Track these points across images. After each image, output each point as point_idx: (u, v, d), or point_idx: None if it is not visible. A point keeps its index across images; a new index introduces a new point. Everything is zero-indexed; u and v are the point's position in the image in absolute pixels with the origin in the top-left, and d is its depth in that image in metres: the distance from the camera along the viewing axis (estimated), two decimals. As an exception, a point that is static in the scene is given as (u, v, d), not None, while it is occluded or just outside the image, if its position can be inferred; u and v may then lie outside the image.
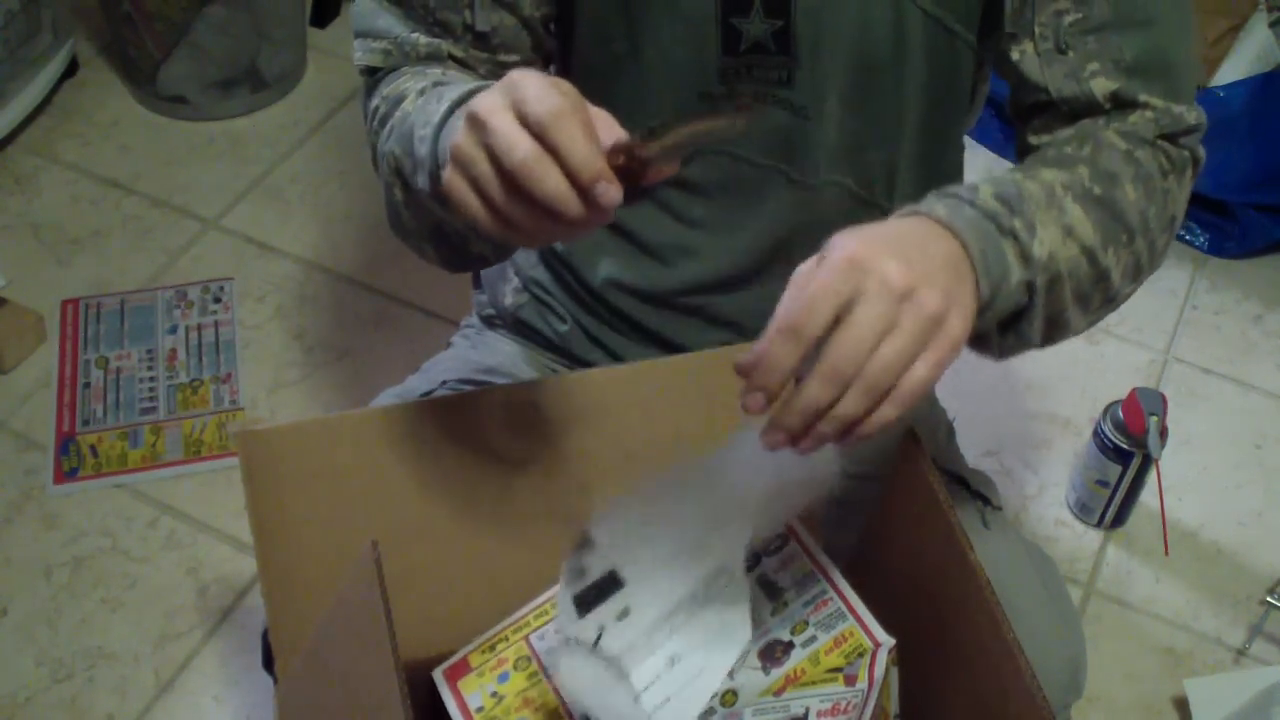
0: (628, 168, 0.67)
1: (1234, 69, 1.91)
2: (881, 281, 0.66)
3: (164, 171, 2.02)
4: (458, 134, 0.70)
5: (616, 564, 0.86)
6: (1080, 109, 0.89)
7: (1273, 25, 1.94)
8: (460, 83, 0.83)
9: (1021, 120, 0.94)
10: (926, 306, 0.67)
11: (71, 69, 2.13)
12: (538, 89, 0.66)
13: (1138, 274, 0.88)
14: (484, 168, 0.68)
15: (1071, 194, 0.82)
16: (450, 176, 0.70)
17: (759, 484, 0.84)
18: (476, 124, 0.68)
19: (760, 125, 0.95)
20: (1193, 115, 0.90)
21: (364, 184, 2.02)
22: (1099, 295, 0.85)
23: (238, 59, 2.07)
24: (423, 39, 0.91)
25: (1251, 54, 1.92)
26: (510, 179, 0.66)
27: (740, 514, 0.87)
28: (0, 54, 1.93)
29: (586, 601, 0.85)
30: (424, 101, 0.82)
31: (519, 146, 0.65)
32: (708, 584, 0.87)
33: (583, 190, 0.66)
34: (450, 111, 0.76)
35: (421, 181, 0.78)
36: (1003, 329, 0.81)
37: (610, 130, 0.68)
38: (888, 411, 0.68)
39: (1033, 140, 0.92)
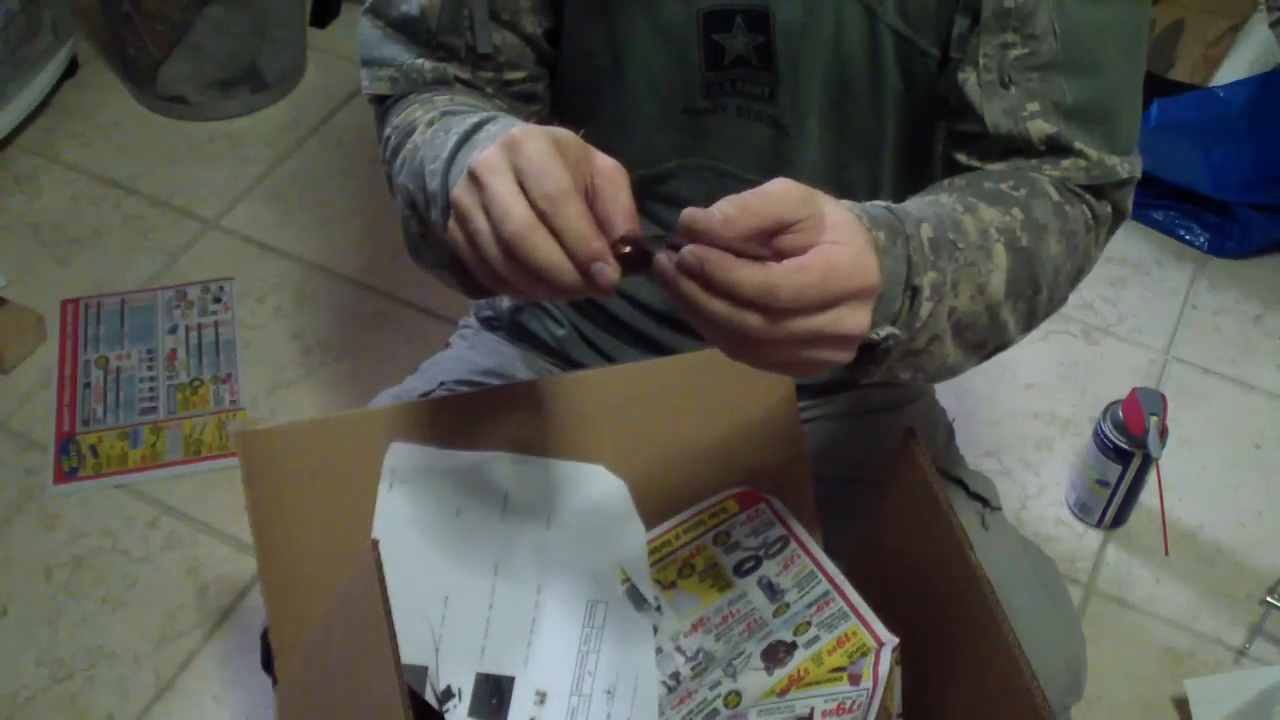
0: (634, 255, 0.67)
1: (1234, 69, 1.92)
2: (837, 319, 0.66)
3: (164, 171, 2.02)
4: (458, 188, 0.69)
5: (480, 667, 0.89)
6: (1014, 147, 0.88)
7: (1273, 25, 1.94)
8: (467, 111, 0.83)
9: (954, 139, 0.93)
10: (842, 338, 0.67)
11: (71, 69, 2.13)
12: (539, 159, 0.66)
13: (1029, 324, 0.88)
14: (481, 224, 0.67)
15: (1004, 240, 0.81)
16: (451, 227, 0.70)
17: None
18: (476, 182, 0.68)
19: (745, 140, 0.95)
20: (1125, 168, 0.89)
21: (364, 184, 2.02)
22: (993, 342, 0.85)
23: (238, 59, 2.07)
24: (428, 64, 0.92)
25: (1251, 54, 1.92)
26: (505, 245, 0.66)
27: (564, 559, 0.91)
28: (0, 54, 1.93)
29: (493, 711, 0.87)
30: (432, 134, 0.82)
31: (513, 216, 0.65)
32: (591, 620, 0.90)
33: (579, 267, 0.65)
34: (457, 148, 0.76)
35: (435, 216, 0.78)
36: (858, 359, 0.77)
37: (616, 188, 0.67)
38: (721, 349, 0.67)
39: (961, 159, 0.91)
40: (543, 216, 0.65)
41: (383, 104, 0.94)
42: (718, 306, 0.64)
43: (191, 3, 1.98)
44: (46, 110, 2.10)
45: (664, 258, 0.65)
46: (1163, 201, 1.97)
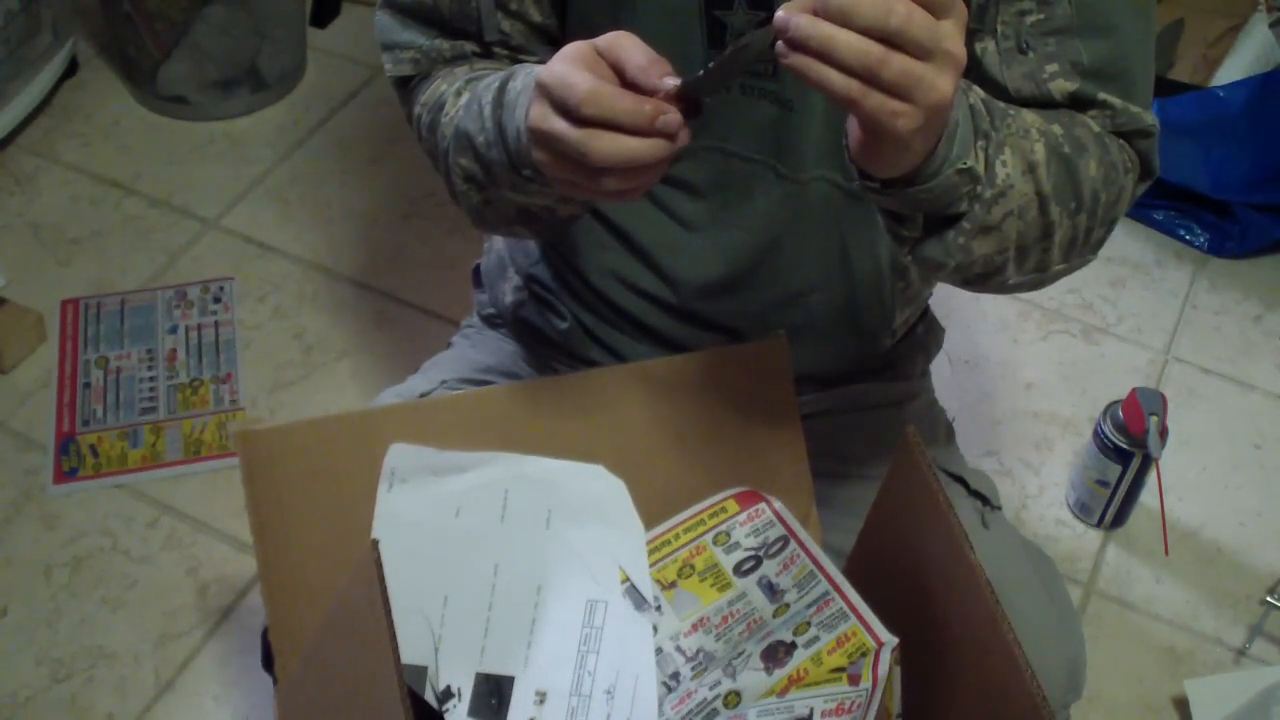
0: (685, 96, 0.72)
1: (1234, 69, 1.91)
2: (934, 72, 0.67)
3: (164, 171, 2.02)
4: (534, 152, 0.77)
5: (480, 668, 0.89)
6: (1037, 107, 0.89)
7: (1273, 25, 1.94)
8: (488, 74, 0.89)
9: None
10: (930, 100, 0.68)
11: (71, 69, 2.13)
12: (561, 80, 0.73)
13: (1070, 251, 0.88)
14: (558, 124, 0.73)
15: (1044, 140, 0.83)
16: (539, 159, 0.76)
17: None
18: (539, 135, 0.75)
19: (749, 119, 0.95)
20: (1149, 117, 0.91)
21: (364, 184, 2.02)
22: (1037, 252, 0.85)
23: (238, 59, 2.07)
24: (446, 44, 0.95)
25: (1251, 54, 1.92)
26: (585, 117, 0.72)
27: (561, 568, 0.91)
28: (0, 54, 1.93)
29: (493, 711, 0.88)
30: (466, 104, 0.87)
31: (576, 90, 0.71)
32: (590, 620, 0.90)
33: (649, 133, 0.71)
34: (496, 111, 0.83)
35: (502, 175, 0.84)
36: (931, 229, 0.81)
37: (630, 52, 0.73)
38: (862, 97, 0.67)
39: None
40: (594, 121, 0.71)
41: (406, 85, 0.98)
42: (830, 30, 0.65)
43: (191, 3, 1.98)
44: (46, 110, 2.09)
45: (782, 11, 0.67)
46: (1163, 201, 1.97)
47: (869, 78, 0.65)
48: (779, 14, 0.66)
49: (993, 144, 0.78)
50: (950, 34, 0.67)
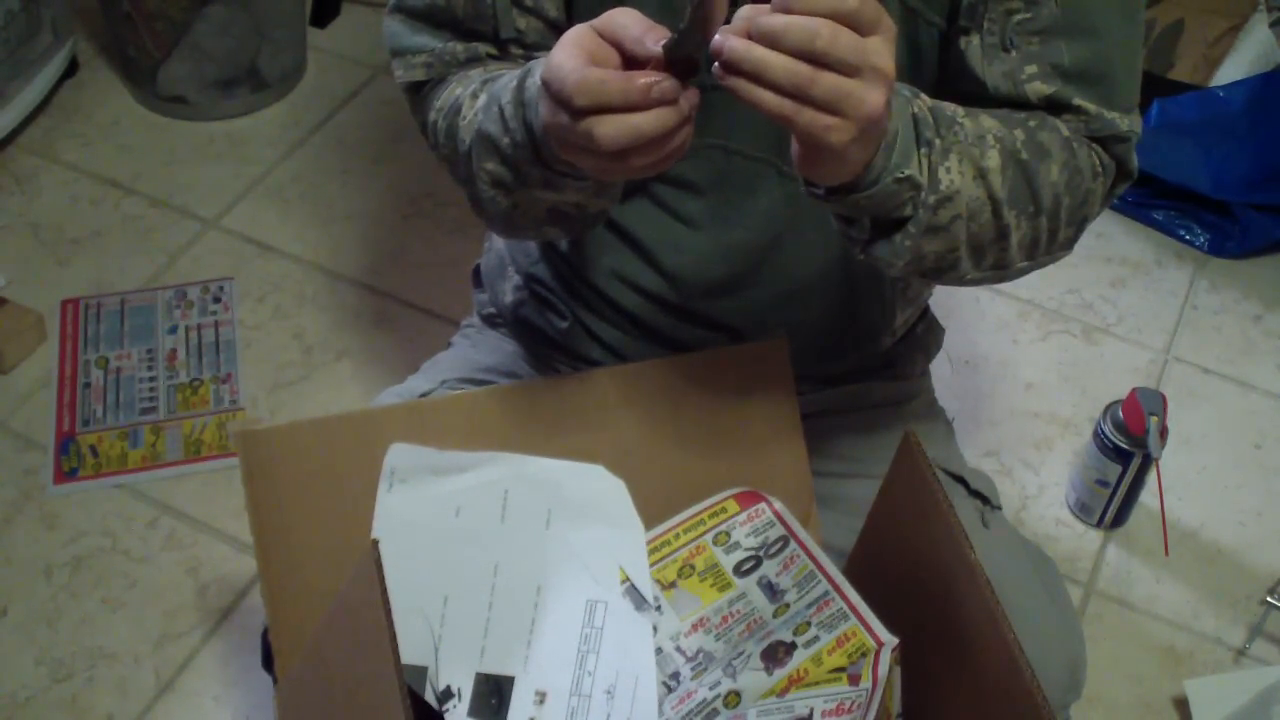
0: (676, 57, 0.71)
1: (1234, 69, 1.91)
2: (863, 88, 0.69)
3: (164, 171, 2.02)
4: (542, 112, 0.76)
5: (480, 668, 0.89)
6: (1012, 105, 0.91)
7: (1273, 25, 1.94)
8: (504, 73, 0.88)
9: (952, 99, 0.95)
10: (862, 113, 0.70)
11: (71, 69, 2.13)
12: (557, 73, 0.72)
13: (1033, 252, 0.90)
14: (564, 120, 0.73)
15: (1000, 146, 0.84)
16: (569, 156, 0.76)
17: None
18: (552, 133, 0.75)
19: (752, 117, 0.95)
20: (1125, 123, 0.92)
21: (364, 184, 2.02)
22: (994, 252, 0.87)
23: (238, 59, 2.07)
24: (459, 46, 0.94)
25: (1251, 54, 1.92)
26: (579, 108, 0.71)
27: (562, 565, 0.91)
28: (0, 54, 1.94)
29: (493, 711, 0.88)
30: (484, 106, 0.86)
31: (569, 83, 0.71)
32: (591, 620, 0.90)
33: (647, 105, 0.71)
34: (517, 109, 0.82)
35: (534, 175, 0.83)
36: (879, 231, 0.82)
37: (626, 25, 0.73)
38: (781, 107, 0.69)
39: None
40: (590, 109, 0.71)
41: (419, 92, 0.97)
42: (761, 54, 0.68)
43: (191, 3, 1.98)
44: (46, 110, 2.09)
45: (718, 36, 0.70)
46: (1163, 201, 1.97)
47: (800, 96, 0.68)
48: (715, 38, 0.69)
49: (936, 151, 0.80)
50: (877, 50, 0.69)
